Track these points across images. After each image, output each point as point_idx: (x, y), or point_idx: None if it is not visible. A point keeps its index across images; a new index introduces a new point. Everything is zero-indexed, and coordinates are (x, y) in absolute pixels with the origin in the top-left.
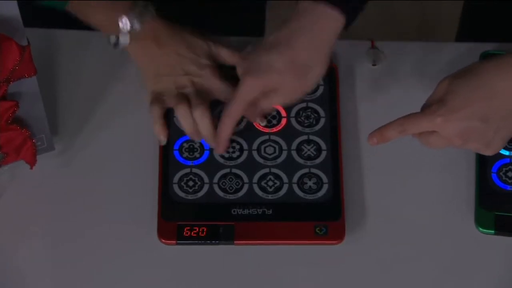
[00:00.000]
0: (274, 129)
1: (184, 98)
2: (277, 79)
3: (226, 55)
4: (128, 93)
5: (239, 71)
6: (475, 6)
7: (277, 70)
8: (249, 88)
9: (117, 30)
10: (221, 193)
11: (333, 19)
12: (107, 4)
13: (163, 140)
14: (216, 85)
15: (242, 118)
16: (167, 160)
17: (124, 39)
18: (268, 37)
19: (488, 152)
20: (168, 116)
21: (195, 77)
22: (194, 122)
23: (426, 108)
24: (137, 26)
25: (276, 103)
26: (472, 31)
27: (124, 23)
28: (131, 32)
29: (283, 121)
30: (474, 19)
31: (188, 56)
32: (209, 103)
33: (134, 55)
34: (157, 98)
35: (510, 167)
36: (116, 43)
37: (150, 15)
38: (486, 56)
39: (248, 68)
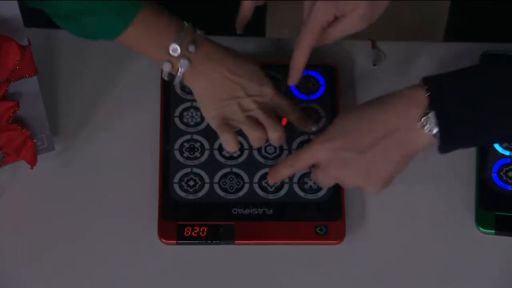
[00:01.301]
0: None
1: (255, 122)
2: (349, 3)
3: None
4: (128, 93)
5: (307, 2)
6: (462, 6)
7: None
8: (322, 13)
9: (168, 57)
10: (221, 193)
11: None
12: (151, 35)
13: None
14: (280, 102)
15: None
16: (167, 160)
17: (184, 63)
18: None
19: (370, 190)
20: (167, 117)
21: (258, 97)
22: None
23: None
24: (192, 49)
25: (345, 31)
26: (462, 30)
27: (174, 48)
28: (187, 55)
29: (284, 120)
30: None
31: (245, 76)
32: (276, 117)
33: (190, 81)
34: (225, 123)
35: (510, 167)
36: (171, 73)
37: (201, 36)
38: (486, 56)
39: None
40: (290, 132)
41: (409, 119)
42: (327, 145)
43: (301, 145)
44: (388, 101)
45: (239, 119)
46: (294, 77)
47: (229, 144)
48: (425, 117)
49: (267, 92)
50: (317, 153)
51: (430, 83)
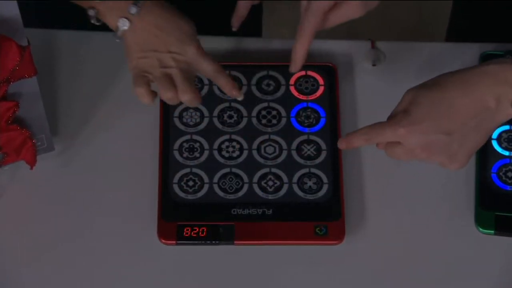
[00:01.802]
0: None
1: (170, 81)
2: None
3: (207, 63)
4: (128, 93)
5: None
6: (462, 6)
7: None
8: None
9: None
10: (221, 193)
11: None
12: None
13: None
14: (204, 65)
15: (242, 117)
16: (167, 160)
17: (123, 23)
18: None
19: (453, 167)
20: (167, 117)
21: (179, 55)
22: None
23: (391, 118)
24: (134, 10)
25: (345, 16)
26: (462, 30)
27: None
28: (128, 15)
29: (283, 120)
30: (463, 18)
31: (172, 33)
32: (194, 80)
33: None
34: (140, 76)
35: (510, 167)
36: (96, 18)
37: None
38: (486, 57)
39: None
40: (290, 132)
41: (499, 99)
42: (414, 128)
43: (300, 145)
44: (474, 78)
45: (156, 74)
46: (297, 64)
47: (142, 97)
48: None
49: (190, 52)
50: (403, 135)
51: None
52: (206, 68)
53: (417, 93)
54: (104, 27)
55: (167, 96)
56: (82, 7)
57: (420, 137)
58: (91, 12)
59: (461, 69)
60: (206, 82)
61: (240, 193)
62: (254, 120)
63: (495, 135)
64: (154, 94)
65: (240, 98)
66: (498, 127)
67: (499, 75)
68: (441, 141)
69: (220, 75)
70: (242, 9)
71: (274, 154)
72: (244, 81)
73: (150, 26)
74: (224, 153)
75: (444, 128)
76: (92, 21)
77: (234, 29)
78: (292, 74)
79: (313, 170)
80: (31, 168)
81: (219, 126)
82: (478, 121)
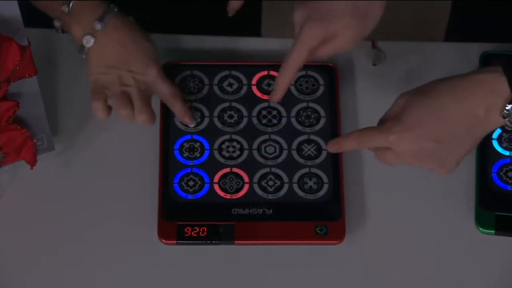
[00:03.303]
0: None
1: (127, 99)
2: (339, 24)
3: (165, 86)
4: None
5: (298, 17)
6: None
7: (339, 15)
8: (311, 35)
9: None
10: (221, 193)
11: None
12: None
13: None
14: (162, 88)
15: (242, 117)
16: (167, 160)
17: (88, 41)
18: None
19: (442, 172)
20: (167, 117)
21: (139, 75)
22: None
23: (382, 124)
24: (98, 26)
25: (335, 50)
26: (462, 31)
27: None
28: (92, 32)
29: (283, 120)
30: (464, 18)
31: (134, 52)
32: (150, 101)
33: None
34: (98, 91)
35: (510, 167)
36: (61, 29)
37: (113, 14)
38: (486, 57)
39: (309, 14)
40: (290, 132)
41: (489, 108)
42: (405, 135)
43: (301, 145)
44: (466, 87)
45: (114, 91)
46: (277, 95)
47: (97, 111)
48: (507, 110)
49: (151, 73)
50: (394, 141)
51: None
52: (164, 91)
53: (409, 99)
54: None
55: (123, 113)
56: (49, 15)
57: (410, 144)
58: (56, 23)
59: (454, 76)
60: (206, 82)
61: (241, 193)
62: (255, 120)
63: (495, 135)
64: (109, 109)
65: (191, 125)
66: (486, 135)
67: (490, 84)
68: (431, 148)
69: (176, 100)
70: None
71: (275, 154)
72: (244, 81)
73: (114, 43)
74: (224, 153)
75: (434, 136)
76: (56, 31)
77: (229, 14)
78: None
79: (314, 170)
80: (31, 168)
81: (220, 126)
82: (468, 128)
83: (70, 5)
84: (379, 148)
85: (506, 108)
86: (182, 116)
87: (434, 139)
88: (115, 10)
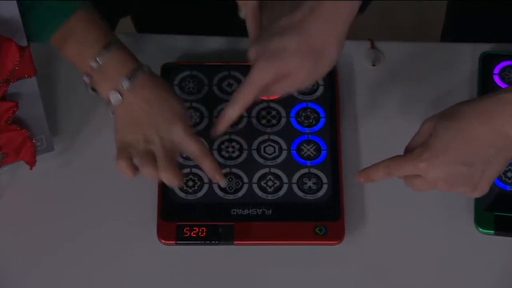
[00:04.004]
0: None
1: (151, 158)
2: (292, 63)
3: (193, 144)
4: None
5: (252, 55)
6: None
7: (291, 54)
8: (262, 73)
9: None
10: (220, 193)
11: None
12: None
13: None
14: (186, 145)
15: (242, 117)
16: None
17: (115, 98)
18: (280, 21)
19: (476, 195)
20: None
21: (165, 133)
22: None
23: (410, 151)
24: (126, 84)
25: (289, 89)
26: (461, 30)
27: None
28: (119, 89)
29: (283, 121)
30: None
31: (160, 111)
32: (176, 159)
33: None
34: (124, 149)
35: (510, 167)
36: (91, 87)
37: (142, 72)
38: (486, 57)
39: (261, 52)
40: (290, 132)
41: None
42: (435, 161)
43: (300, 145)
44: (491, 108)
45: (139, 149)
46: (220, 129)
47: (122, 171)
48: None
49: (177, 132)
50: (424, 169)
51: None
52: (192, 150)
53: (435, 125)
54: None
55: (145, 172)
56: (79, 70)
57: (441, 170)
58: (86, 79)
59: (478, 97)
60: (205, 82)
61: (240, 193)
62: (254, 120)
63: None
64: (135, 169)
65: (222, 184)
66: None
67: None
68: (462, 172)
69: (205, 157)
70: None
71: (274, 154)
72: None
73: (141, 101)
74: (223, 153)
75: (464, 160)
76: (87, 90)
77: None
78: None
79: (313, 170)
80: (31, 168)
81: None
82: (497, 149)
83: (101, 59)
84: (408, 175)
85: None
86: (212, 175)
87: (464, 162)
88: (146, 69)
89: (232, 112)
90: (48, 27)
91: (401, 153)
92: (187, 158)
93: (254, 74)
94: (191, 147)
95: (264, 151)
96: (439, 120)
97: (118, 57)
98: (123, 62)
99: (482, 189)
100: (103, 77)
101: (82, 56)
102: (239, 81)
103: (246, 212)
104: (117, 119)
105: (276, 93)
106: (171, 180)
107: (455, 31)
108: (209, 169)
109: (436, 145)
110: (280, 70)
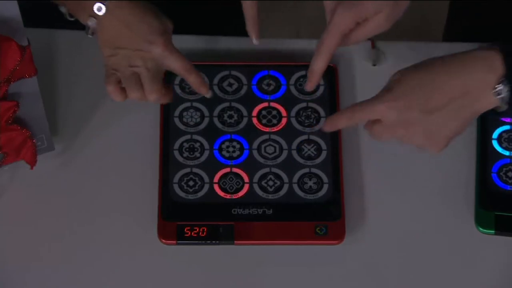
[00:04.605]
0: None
1: (136, 81)
2: (370, 6)
3: (174, 61)
4: None
5: (328, 5)
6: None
7: None
8: (343, 20)
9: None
10: (221, 193)
11: None
12: None
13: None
14: (168, 61)
15: (242, 117)
16: (167, 160)
17: (92, 22)
18: None
19: (432, 150)
20: (167, 117)
21: (147, 53)
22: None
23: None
24: (100, 8)
25: (369, 34)
26: (462, 30)
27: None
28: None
29: (283, 120)
30: (463, 18)
31: (139, 31)
32: (161, 78)
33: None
34: (111, 75)
35: (510, 167)
36: (69, 14)
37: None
38: None
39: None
40: (290, 132)
41: (482, 84)
42: (394, 104)
43: (301, 145)
44: (460, 62)
45: (125, 73)
46: (312, 82)
47: (112, 95)
48: (500, 86)
49: (156, 50)
50: (382, 111)
51: (507, 52)
52: (174, 66)
53: (403, 73)
54: None
55: (132, 96)
56: (55, 3)
57: (399, 113)
58: (62, 9)
59: (452, 54)
60: (206, 80)
61: (240, 193)
62: (254, 120)
63: (495, 135)
64: (123, 92)
65: (208, 96)
66: (476, 117)
67: (484, 60)
68: (420, 120)
69: (189, 74)
70: (249, 10)
71: (274, 154)
72: (244, 81)
73: (117, 23)
74: (224, 153)
75: (424, 107)
76: (66, 17)
77: (255, 42)
78: (292, 74)
79: (313, 170)
80: (31, 168)
81: (220, 126)
82: (458, 105)
83: None
84: (369, 122)
85: (497, 87)
86: (197, 88)
87: (423, 110)
88: None
89: (318, 64)
90: None
91: (402, 153)
92: (187, 158)
93: (335, 21)
94: (174, 64)
95: (265, 151)
96: (407, 70)
97: None
98: None
99: (439, 144)
100: (77, 6)
101: None
102: (239, 81)
103: (246, 212)
104: (99, 44)
105: (357, 40)
106: (159, 100)
107: (456, 30)
108: (194, 84)
109: (398, 90)
110: (359, 14)
